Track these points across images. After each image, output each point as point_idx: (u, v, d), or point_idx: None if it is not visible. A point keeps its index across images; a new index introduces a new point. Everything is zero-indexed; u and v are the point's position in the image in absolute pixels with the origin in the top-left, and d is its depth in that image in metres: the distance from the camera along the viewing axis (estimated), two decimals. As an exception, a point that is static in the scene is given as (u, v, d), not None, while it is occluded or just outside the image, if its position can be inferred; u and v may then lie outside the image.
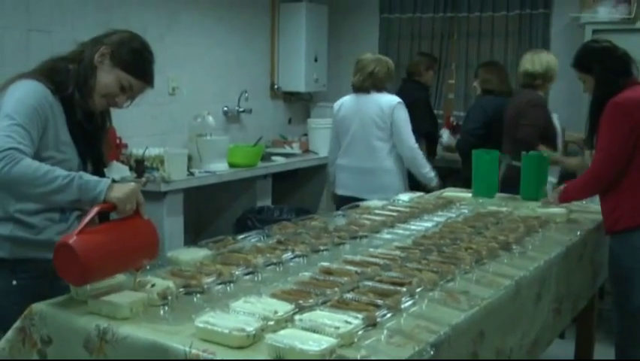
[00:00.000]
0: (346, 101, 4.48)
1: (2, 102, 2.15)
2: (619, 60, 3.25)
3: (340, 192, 4.50)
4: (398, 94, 5.42)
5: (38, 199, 2.11)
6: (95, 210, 1.97)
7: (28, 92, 2.17)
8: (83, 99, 2.27)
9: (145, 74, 2.33)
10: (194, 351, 1.68)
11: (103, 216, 2.33)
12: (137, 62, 2.30)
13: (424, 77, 5.47)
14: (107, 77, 2.27)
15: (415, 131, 4.47)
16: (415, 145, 4.37)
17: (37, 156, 2.10)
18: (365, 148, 4.36)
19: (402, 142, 4.33)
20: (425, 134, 5.27)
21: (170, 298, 1.99)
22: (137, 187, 2.09)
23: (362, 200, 3.76)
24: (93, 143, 2.37)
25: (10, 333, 2.00)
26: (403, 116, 4.30)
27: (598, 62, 3.24)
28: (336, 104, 4.53)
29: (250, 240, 2.72)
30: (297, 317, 1.80)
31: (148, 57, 2.35)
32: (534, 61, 4.47)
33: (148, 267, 2.14)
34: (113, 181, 2.06)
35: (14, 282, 2.25)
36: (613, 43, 3.33)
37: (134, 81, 2.30)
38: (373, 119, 4.31)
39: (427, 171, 4.46)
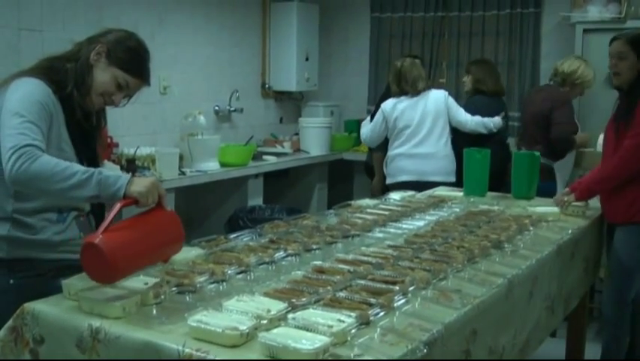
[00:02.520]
0: (399, 100, 4.85)
1: (3, 100, 2.14)
2: None
3: (403, 178, 4.77)
4: (384, 94, 5.47)
5: (57, 195, 2.07)
6: (118, 206, 1.95)
7: (33, 90, 2.17)
8: (82, 98, 2.27)
9: (141, 72, 2.34)
10: (187, 350, 1.68)
11: (98, 215, 2.34)
12: (132, 59, 2.31)
13: None
14: (103, 76, 2.27)
15: None
16: (469, 118, 4.84)
17: None
18: (427, 135, 4.78)
19: (460, 121, 4.84)
20: None
21: (162, 297, 1.99)
22: (157, 180, 2.08)
23: (425, 183, 4.46)
24: (88, 142, 2.37)
25: (2, 332, 1.99)
26: (454, 103, 4.88)
27: None
28: (388, 104, 4.87)
29: (242, 239, 2.71)
30: (290, 315, 1.80)
31: (144, 55, 2.35)
32: (565, 62, 4.77)
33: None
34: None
35: (11, 281, 2.24)
36: None
37: (130, 79, 2.30)
38: (434, 110, 4.80)
39: (493, 124, 4.88)
